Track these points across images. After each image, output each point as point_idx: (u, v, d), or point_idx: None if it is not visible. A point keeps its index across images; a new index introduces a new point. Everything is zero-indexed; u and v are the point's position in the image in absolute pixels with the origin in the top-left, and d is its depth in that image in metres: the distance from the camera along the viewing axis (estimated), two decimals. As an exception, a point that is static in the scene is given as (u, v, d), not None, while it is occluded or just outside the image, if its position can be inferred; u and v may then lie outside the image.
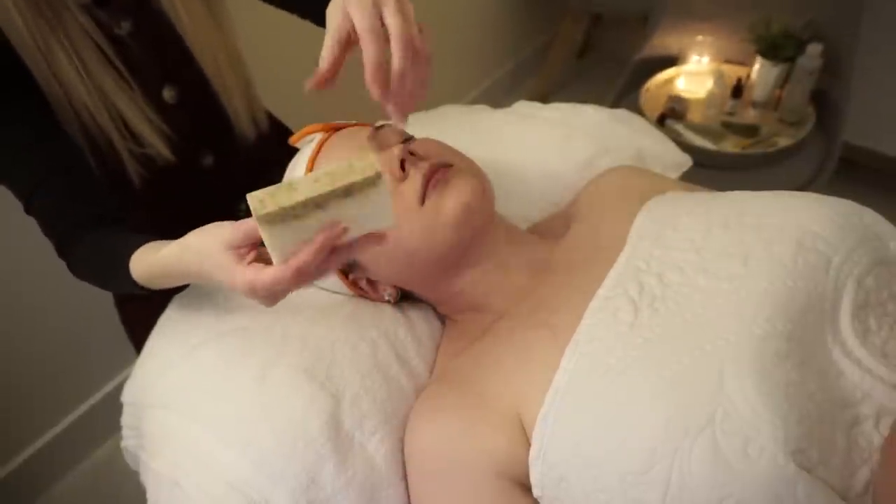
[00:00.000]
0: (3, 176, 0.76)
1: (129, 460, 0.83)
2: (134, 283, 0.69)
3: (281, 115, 1.13)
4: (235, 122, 0.93)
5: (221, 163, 0.96)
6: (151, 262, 0.66)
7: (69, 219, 0.76)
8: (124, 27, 0.81)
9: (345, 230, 0.52)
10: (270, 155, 0.89)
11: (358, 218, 0.53)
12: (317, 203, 0.50)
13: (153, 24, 0.84)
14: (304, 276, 0.53)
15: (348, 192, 0.50)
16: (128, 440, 0.82)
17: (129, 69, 0.80)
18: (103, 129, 0.79)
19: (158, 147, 0.83)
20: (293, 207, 0.49)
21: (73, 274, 0.80)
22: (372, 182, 0.51)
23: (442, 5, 2.14)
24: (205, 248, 0.58)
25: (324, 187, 0.50)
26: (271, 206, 0.49)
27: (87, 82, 0.76)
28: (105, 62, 0.78)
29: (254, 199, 0.49)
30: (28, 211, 0.77)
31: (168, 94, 0.87)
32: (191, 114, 0.89)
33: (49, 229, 0.78)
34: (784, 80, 1.65)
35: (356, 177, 0.50)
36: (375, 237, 0.55)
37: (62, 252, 0.78)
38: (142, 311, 0.93)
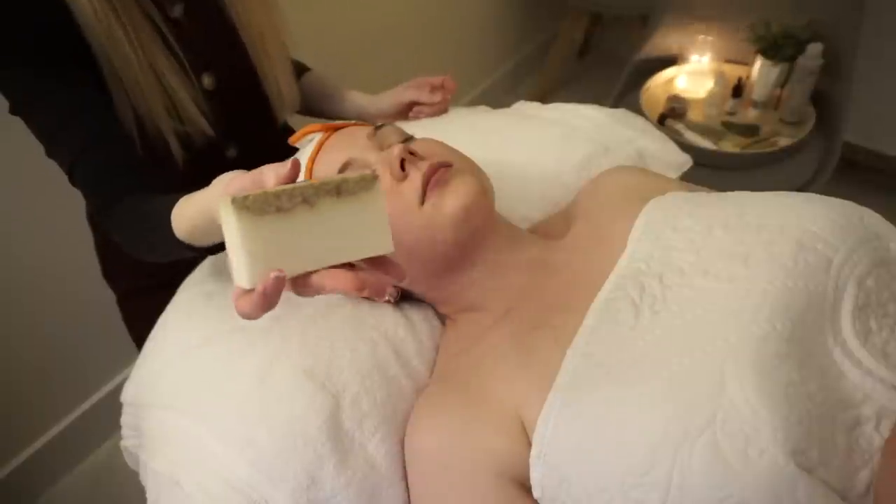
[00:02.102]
0: (50, 139, 0.78)
1: (129, 460, 0.83)
2: (179, 242, 0.66)
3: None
4: (276, 103, 0.97)
5: (244, 156, 0.98)
6: (186, 220, 0.63)
7: (111, 185, 0.77)
8: (177, 10, 0.85)
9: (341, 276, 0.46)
10: (288, 152, 0.90)
11: (351, 231, 0.46)
12: (304, 196, 0.44)
13: (202, 7, 0.88)
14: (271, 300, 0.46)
15: (339, 189, 0.45)
16: (127, 440, 0.82)
17: (180, 51, 0.84)
18: (151, 106, 0.82)
19: (201, 124, 0.86)
20: (276, 196, 0.43)
21: (118, 242, 0.80)
22: (366, 183, 0.46)
23: (442, 5, 2.15)
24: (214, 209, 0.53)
25: (313, 183, 0.45)
26: (252, 193, 0.43)
27: (142, 60, 0.79)
28: (160, 42, 0.81)
29: (231, 194, 0.44)
30: (71, 178, 0.79)
31: (207, 80, 0.90)
32: (225, 104, 0.91)
33: (90, 195, 0.79)
34: (784, 80, 1.65)
35: (350, 175, 0.46)
36: (383, 268, 0.49)
37: (101, 219, 0.79)
38: (142, 308, 0.94)
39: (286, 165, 0.47)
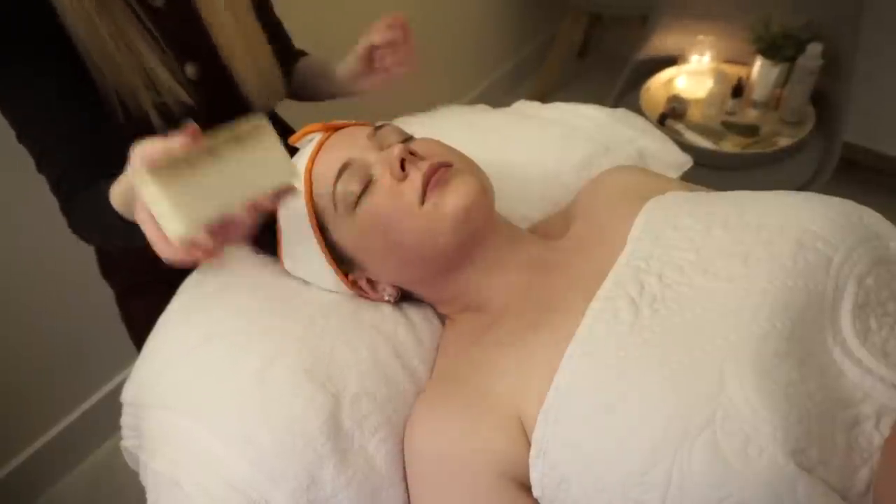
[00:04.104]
0: (22, 129, 0.79)
1: (129, 460, 0.83)
2: (121, 219, 0.68)
3: (281, 114, 1.13)
4: (249, 93, 0.96)
5: None
6: (118, 196, 0.66)
7: (76, 178, 0.77)
8: (156, 1, 0.85)
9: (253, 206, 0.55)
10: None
11: (257, 169, 0.54)
12: (208, 149, 0.51)
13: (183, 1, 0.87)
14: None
15: (237, 137, 0.53)
16: (127, 440, 0.82)
17: (161, 38, 0.84)
18: (132, 85, 0.82)
19: (179, 94, 0.87)
20: (183, 157, 0.50)
21: (75, 233, 0.82)
22: (258, 129, 0.54)
23: (443, 5, 2.15)
24: (128, 171, 0.57)
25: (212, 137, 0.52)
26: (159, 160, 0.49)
27: (121, 44, 0.80)
28: (142, 29, 0.82)
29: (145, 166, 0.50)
30: (39, 168, 0.80)
31: (190, 70, 0.90)
32: (209, 93, 0.91)
33: (55, 186, 0.80)
34: (784, 80, 1.65)
35: (243, 127, 0.54)
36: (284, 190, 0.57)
37: (65, 210, 0.80)
38: (141, 307, 0.93)
39: (185, 130, 0.53)
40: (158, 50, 0.84)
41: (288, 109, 1.13)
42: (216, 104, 0.92)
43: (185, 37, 0.88)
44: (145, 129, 0.86)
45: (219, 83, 0.93)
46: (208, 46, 0.92)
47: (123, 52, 0.80)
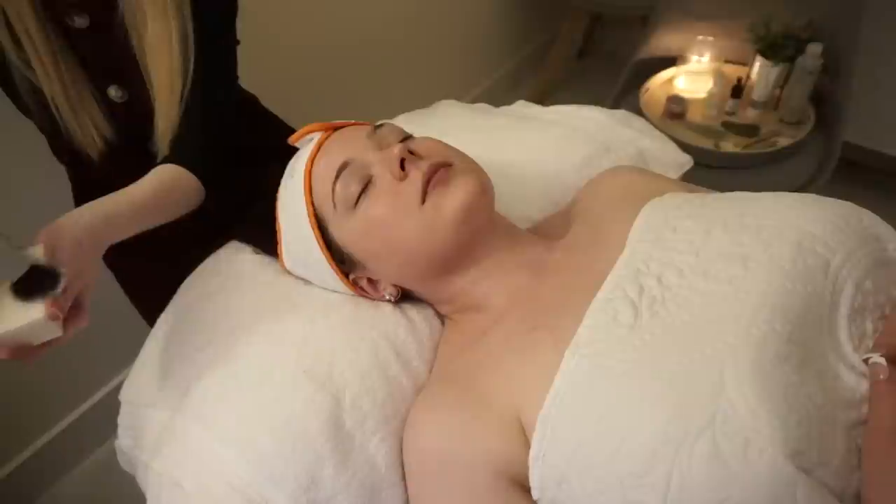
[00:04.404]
0: None
1: (121, 459, 0.83)
2: None
3: (281, 114, 1.13)
4: (158, 137, 0.90)
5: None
6: None
7: None
8: (79, 21, 0.84)
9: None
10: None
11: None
12: None
13: (109, 22, 0.85)
14: None
15: None
16: (123, 439, 0.82)
17: (79, 61, 0.85)
18: (51, 109, 0.84)
19: (94, 113, 0.88)
20: None
21: None
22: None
23: (442, 5, 2.15)
24: None
25: None
26: None
27: (47, 67, 0.82)
28: (52, 51, 0.83)
29: None
30: None
31: (114, 92, 0.90)
32: (136, 115, 0.90)
33: None
34: (784, 80, 1.65)
35: None
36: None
37: None
38: (135, 267, 0.96)
39: None
40: (83, 74, 0.85)
41: (288, 110, 1.13)
42: (145, 123, 0.90)
43: (109, 59, 0.87)
44: (72, 151, 0.88)
45: (147, 104, 0.89)
46: (136, 71, 0.88)
47: (49, 74, 0.82)
